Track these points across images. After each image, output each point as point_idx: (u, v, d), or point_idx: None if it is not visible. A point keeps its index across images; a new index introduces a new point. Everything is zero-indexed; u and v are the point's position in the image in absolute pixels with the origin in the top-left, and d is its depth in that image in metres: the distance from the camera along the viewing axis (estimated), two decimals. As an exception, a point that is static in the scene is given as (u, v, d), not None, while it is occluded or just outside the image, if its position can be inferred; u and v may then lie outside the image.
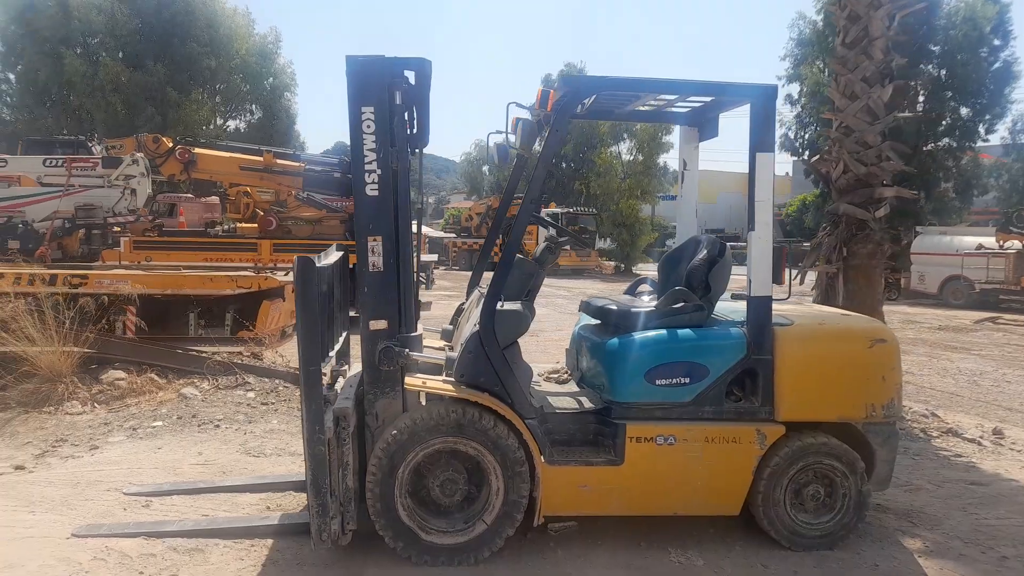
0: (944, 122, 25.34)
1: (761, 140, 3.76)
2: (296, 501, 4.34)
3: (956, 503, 4.67)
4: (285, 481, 4.57)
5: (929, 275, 21.23)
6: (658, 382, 3.74)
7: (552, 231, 4.42)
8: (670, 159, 36.67)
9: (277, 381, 7.19)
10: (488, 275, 4.17)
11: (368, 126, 3.63)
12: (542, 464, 3.60)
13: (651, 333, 3.81)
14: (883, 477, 4.00)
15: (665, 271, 4.46)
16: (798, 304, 4.78)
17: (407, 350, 3.65)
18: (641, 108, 4.43)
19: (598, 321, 4.35)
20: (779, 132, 30.38)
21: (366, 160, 3.64)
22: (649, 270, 36.27)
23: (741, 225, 44.61)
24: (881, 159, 6.92)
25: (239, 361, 7.43)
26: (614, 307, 4.10)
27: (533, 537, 3.84)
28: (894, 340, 3.94)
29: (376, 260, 3.70)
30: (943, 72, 25.23)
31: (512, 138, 4.38)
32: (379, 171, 3.66)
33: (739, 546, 3.87)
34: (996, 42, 25.13)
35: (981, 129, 26.12)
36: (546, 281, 4.40)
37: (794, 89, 28.86)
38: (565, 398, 4.00)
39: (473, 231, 34.05)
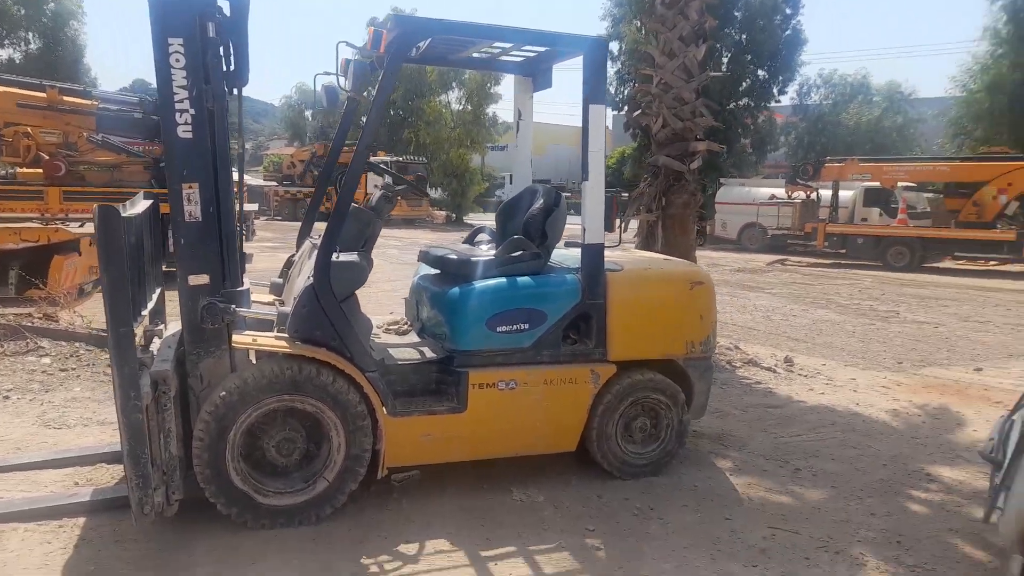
0: (744, 83, 27.51)
1: (593, 91, 3.83)
2: (110, 474, 3.97)
3: (758, 425, 5.21)
4: (95, 453, 4.14)
5: (730, 223, 23.26)
6: (499, 329, 3.78)
7: (388, 179, 4.27)
8: (499, 109, 36.93)
9: (78, 344, 6.48)
10: (320, 225, 3.97)
11: (177, 60, 3.27)
12: (384, 417, 3.53)
13: (491, 281, 3.83)
14: (700, 406, 4.35)
15: (502, 220, 4.48)
16: (625, 251, 5.01)
17: (233, 306, 3.40)
18: (476, 55, 4.36)
19: (437, 271, 4.30)
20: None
21: (176, 98, 3.29)
22: (480, 220, 36.61)
23: (568, 176, 46.18)
24: (695, 115, 7.36)
25: (29, 324, 6.61)
26: (454, 256, 4.07)
27: (376, 490, 3.79)
28: (710, 282, 4.26)
29: (193, 209, 3.39)
30: (744, 36, 27.25)
31: (343, 80, 4.17)
32: (192, 111, 3.32)
33: (575, 480, 4.07)
34: (788, 11, 27.48)
35: (775, 90, 28.64)
36: (383, 232, 4.28)
37: (614, 47, 29.87)
38: (406, 349, 3.93)
39: (296, 179, 32.44)
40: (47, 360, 6.08)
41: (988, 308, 11.86)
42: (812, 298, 12.41)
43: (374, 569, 3.14)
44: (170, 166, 3.36)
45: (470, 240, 4.64)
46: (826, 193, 20.03)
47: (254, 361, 3.55)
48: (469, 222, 33.18)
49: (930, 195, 20.50)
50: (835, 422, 5.34)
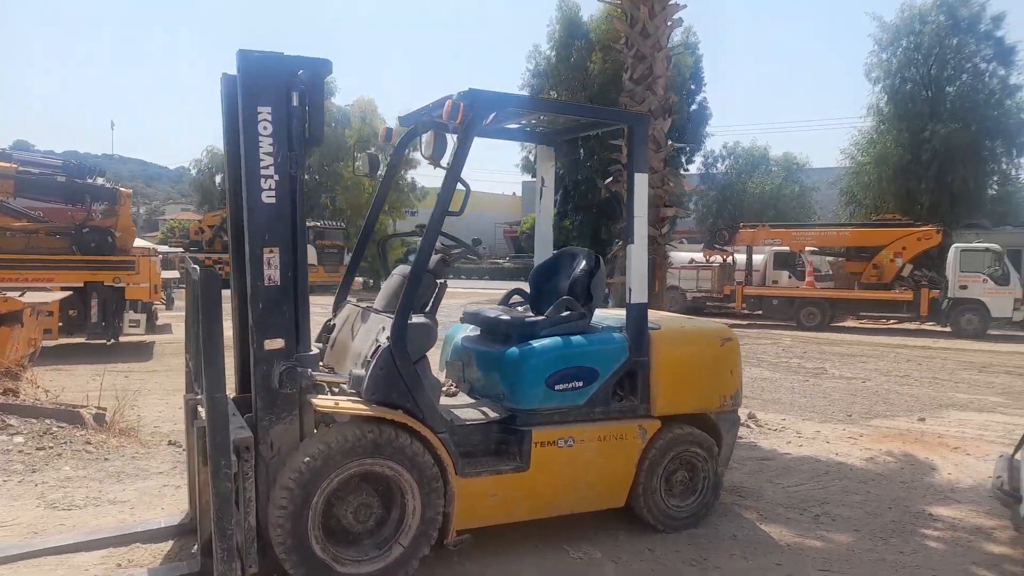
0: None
1: (637, 161, 4.14)
2: (150, 554, 3.77)
3: (762, 476, 5.48)
4: (129, 533, 3.92)
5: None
6: (557, 387, 3.92)
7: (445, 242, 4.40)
8: (417, 175, 37.34)
9: (48, 421, 6.08)
10: (356, 287, 4.02)
11: (264, 128, 3.36)
12: (455, 478, 3.57)
13: (547, 341, 3.97)
14: (726, 458, 4.59)
15: (537, 282, 4.66)
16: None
17: (310, 370, 3.40)
18: (513, 126, 4.61)
19: (477, 331, 4.41)
20: (520, 155, 32.54)
21: (262, 164, 3.35)
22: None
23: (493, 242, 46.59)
24: (664, 183, 7.86)
25: (-8, 399, 6.16)
26: (507, 317, 4.20)
27: (435, 555, 3.77)
28: (735, 339, 4.56)
29: (272, 273, 3.41)
30: (654, 110, 29.02)
31: (375, 151, 4.35)
32: (276, 176, 3.39)
33: (623, 535, 4.18)
34: (692, 86, 29.56)
35: (683, 160, 30.44)
36: None
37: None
38: (465, 409, 3.99)
39: (205, 245, 31.41)
40: (20, 439, 5.67)
41: (902, 363, 12.86)
42: (743, 357, 13.08)
43: (470, 632, 3.14)
44: (252, 231, 3.38)
45: (504, 302, 4.77)
46: (740, 257, 21.27)
47: (326, 426, 3.52)
48: (390, 288, 33.01)
49: (831, 259, 22.13)
50: (827, 471, 5.69)
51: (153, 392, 8.21)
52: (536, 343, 3.96)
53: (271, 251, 3.40)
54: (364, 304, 4.25)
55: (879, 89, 26.72)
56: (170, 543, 3.90)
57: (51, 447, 5.56)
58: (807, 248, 20.54)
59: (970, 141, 24.33)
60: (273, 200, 3.39)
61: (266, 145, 3.37)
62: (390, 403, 3.49)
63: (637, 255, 4.14)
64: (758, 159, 34.94)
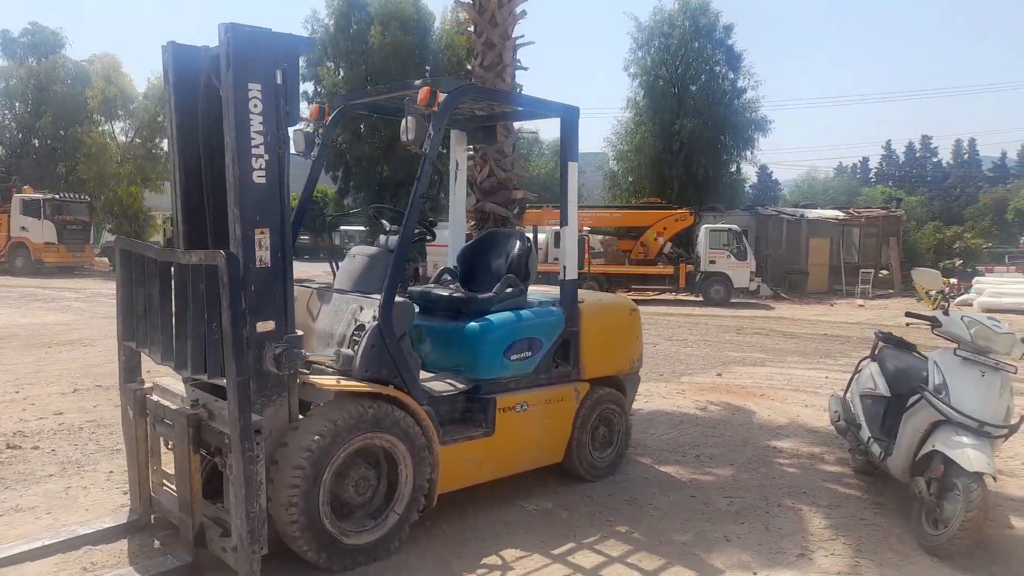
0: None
1: (570, 150, 4.59)
2: (107, 555, 3.52)
3: (637, 428, 6.28)
4: (74, 537, 3.60)
5: (441, 264, 24.78)
6: (512, 357, 4.28)
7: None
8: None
9: None
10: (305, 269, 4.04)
11: (255, 105, 3.29)
12: (438, 446, 3.80)
13: (503, 315, 4.31)
14: (629, 413, 5.26)
15: (466, 261, 4.93)
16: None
17: (303, 351, 3.43)
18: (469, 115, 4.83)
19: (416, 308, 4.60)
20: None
21: (253, 143, 3.29)
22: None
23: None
24: (514, 166, 8.39)
25: None
26: (460, 294, 4.44)
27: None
28: (638, 309, 5.23)
29: (263, 255, 3.37)
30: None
31: (309, 130, 4.36)
32: (266, 156, 3.35)
33: (559, 488, 4.66)
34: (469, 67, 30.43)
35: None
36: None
37: (310, 88, 29.97)
38: (432, 383, 4.17)
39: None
40: None
41: (675, 328, 14.79)
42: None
43: (483, 581, 3.43)
44: (243, 212, 3.29)
45: (437, 280, 4.96)
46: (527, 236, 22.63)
47: (321, 405, 3.54)
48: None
49: (601, 237, 24.41)
50: (681, 421, 6.66)
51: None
52: (493, 318, 4.27)
53: (262, 232, 3.35)
54: (317, 285, 4.24)
55: (636, 84, 29.77)
56: (123, 542, 3.66)
57: None
58: (584, 228, 22.45)
59: (709, 135, 28.10)
60: (264, 180, 3.33)
61: (256, 124, 3.29)
62: (381, 379, 3.62)
63: (570, 237, 4.61)
64: (531, 143, 37.07)
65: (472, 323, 4.25)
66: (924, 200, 47.37)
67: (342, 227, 37.44)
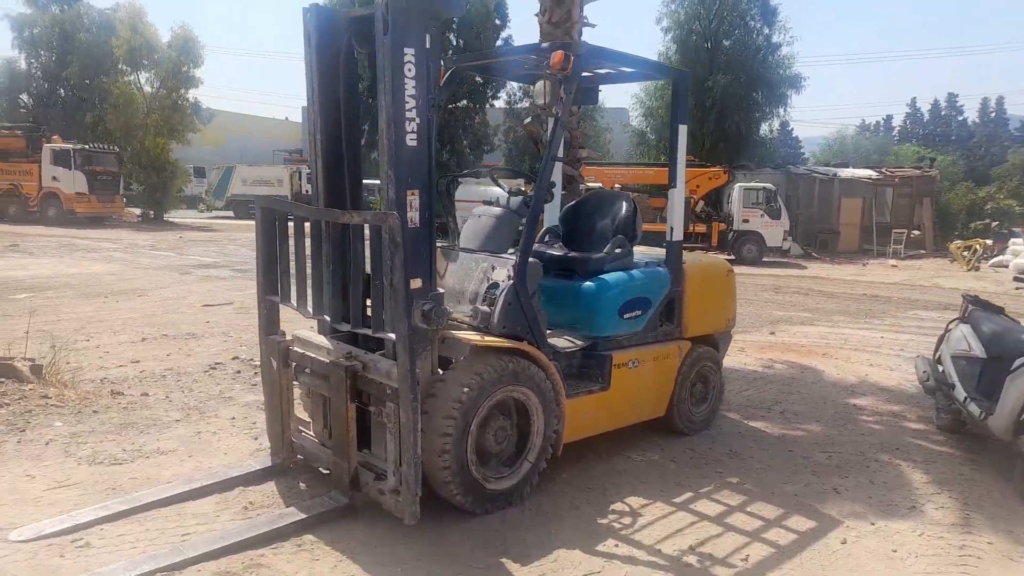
0: (464, 85, 29.44)
1: (681, 114, 4.65)
2: (261, 496, 3.74)
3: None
4: (230, 478, 3.83)
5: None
6: (625, 316, 4.41)
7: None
8: (200, 95, 33.99)
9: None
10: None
11: (409, 70, 3.38)
12: (564, 399, 3.97)
13: (616, 275, 4.43)
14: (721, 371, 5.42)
15: (570, 222, 5.04)
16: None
17: (448, 308, 3.58)
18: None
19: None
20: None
21: (407, 107, 3.38)
22: (184, 217, 33.12)
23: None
24: (580, 124, 8.41)
25: None
26: (575, 254, 4.57)
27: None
28: (733, 270, 5.34)
29: (414, 215, 3.51)
30: (461, 41, 29.14)
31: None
32: (418, 120, 3.45)
33: (660, 441, 4.84)
34: (498, 22, 30.01)
35: (488, 93, 31.02)
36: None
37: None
38: (554, 340, 4.32)
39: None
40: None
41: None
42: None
43: (617, 525, 3.63)
44: (397, 174, 3.40)
45: (541, 240, 5.07)
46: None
47: (461, 359, 3.70)
48: (172, 220, 30.28)
49: (634, 195, 24.35)
50: (755, 378, 6.81)
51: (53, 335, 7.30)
52: (607, 277, 4.40)
53: (413, 193, 3.47)
54: (445, 244, 4.37)
55: (668, 39, 29.28)
56: (271, 484, 3.88)
57: (10, 404, 4.95)
58: (617, 185, 22.40)
59: (742, 91, 27.71)
60: (415, 143, 3.44)
61: (410, 88, 3.39)
62: (516, 335, 3.78)
63: (678, 198, 4.69)
64: None
65: (588, 282, 4.38)
66: (955, 159, 46.62)
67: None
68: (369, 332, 3.60)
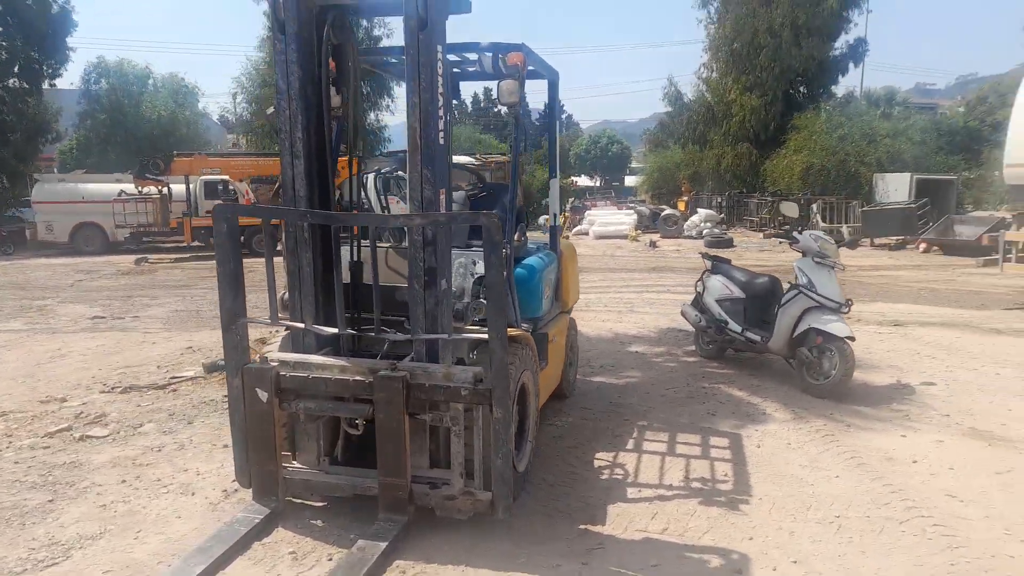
0: (17, 63, 24.36)
1: (556, 111, 5.17)
2: (292, 544, 3.27)
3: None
4: (239, 538, 3.21)
5: (58, 224, 20.86)
6: (546, 295, 4.84)
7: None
8: None
9: None
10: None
11: (440, 68, 3.35)
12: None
13: (534, 259, 4.80)
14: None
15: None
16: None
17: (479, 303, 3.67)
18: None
19: None
20: None
21: (438, 105, 3.34)
22: None
23: None
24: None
25: None
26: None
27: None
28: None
29: (444, 214, 3.46)
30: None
31: None
32: (445, 117, 3.43)
33: (559, 407, 5.38)
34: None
35: (45, 72, 25.94)
36: None
37: None
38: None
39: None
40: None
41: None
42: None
43: (619, 474, 4.12)
44: (433, 174, 3.32)
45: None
46: (178, 187, 20.41)
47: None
48: None
49: (252, 185, 23.19)
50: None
51: None
52: (530, 262, 4.71)
53: (442, 193, 3.43)
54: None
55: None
56: (279, 529, 3.43)
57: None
58: (248, 177, 21.22)
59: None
60: (443, 142, 3.40)
61: (439, 86, 3.34)
62: (510, 324, 3.96)
63: (556, 187, 5.22)
64: (140, 78, 31.77)
65: (518, 268, 4.65)
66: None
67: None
68: (401, 337, 3.43)
